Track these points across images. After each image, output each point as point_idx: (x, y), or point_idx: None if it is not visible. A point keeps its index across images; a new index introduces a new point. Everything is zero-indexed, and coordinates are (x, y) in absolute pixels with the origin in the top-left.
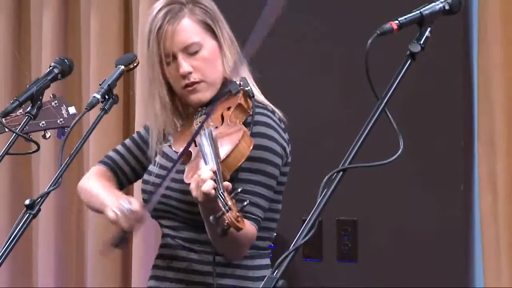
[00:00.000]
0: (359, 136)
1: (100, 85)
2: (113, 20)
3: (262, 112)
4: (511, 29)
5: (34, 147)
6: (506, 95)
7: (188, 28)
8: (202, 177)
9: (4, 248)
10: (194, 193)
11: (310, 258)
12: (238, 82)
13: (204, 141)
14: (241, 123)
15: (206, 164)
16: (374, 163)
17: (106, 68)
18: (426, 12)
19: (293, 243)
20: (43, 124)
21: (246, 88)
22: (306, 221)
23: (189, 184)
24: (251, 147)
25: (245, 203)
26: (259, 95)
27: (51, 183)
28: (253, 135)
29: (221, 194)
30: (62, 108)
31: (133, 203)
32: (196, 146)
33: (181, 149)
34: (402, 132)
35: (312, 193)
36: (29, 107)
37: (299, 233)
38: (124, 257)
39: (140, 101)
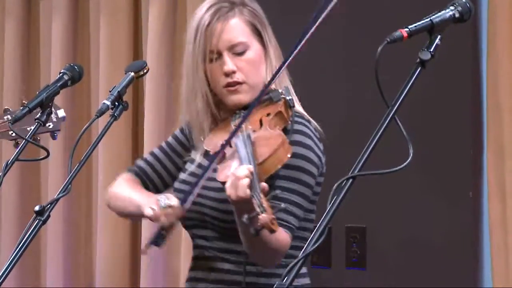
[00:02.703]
0: (368, 143)
1: (110, 91)
2: (122, 27)
3: (300, 121)
4: None
5: (44, 153)
6: None
7: (236, 27)
8: (238, 175)
9: (14, 255)
10: (228, 191)
11: (318, 266)
12: (280, 91)
13: (241, 142)
14: (280, 130)
15: (242, 163)
16: (384, 171)
17: (115, 74)
18: (437, 20)
19: (303, 250)
20: (31, 129)
21: (288, 98)
22: (316, 228)
23: (222, 182)
24: (289, 155)
25: (282, 205)
26: (297, 105)
27: (61, 190)
28: (290, 143)
29: (257, 194)
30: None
31: (171, 198)
32: (231, 147)
33: (214, 150)
34: (411, 140)
35: (321, 200)
36: (39, 114)
37: (309, 240)
38: (133, 258)
39: (150, 108)
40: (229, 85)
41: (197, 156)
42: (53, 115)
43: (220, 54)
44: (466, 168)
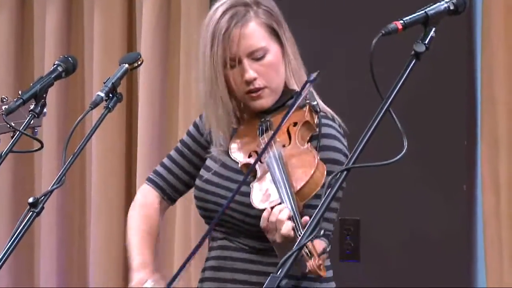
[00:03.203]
0: (363, 136)
1: (104, 83)
2: (116, 18)
3: (326, 123)
4: None
5: (37, 145)
6: (509, 95)
7: (255, 33)
8: (280, 218)
9: (7, 247)
10: (270, 237)
11: None
12: (303, 95)
13: (274, 164)
14: (309, 141)
15: (278, 192)
16: (378, 163)
17: (109, 66)
18: (431, 12)
19: (297, 242)
20: (11, 126)
21: (313, 103)
22: (310, 221)
23: (261, 210)
24: (325, 175)
25: (327, 250)
26: (319, 101)
27: (55, 182)
28: (321, 148)
29: (301, 235)
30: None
31: (160, 284)
32: (261, 162)
33: (244, 161)
34: (405, 132)
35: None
36: (33, 105)
37: (303, 232)
38: (126, 264)
39: (144, 99)
40: (250, 91)
41: (220, 156)
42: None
43: (239, 61)
44: (460, 160)
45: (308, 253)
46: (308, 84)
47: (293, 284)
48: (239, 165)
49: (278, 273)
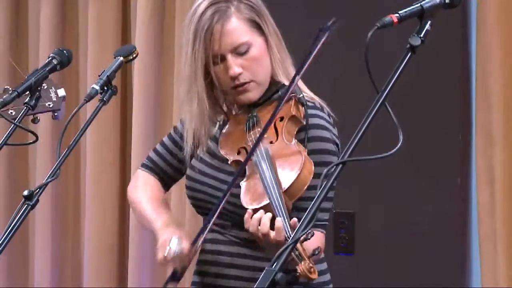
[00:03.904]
0: (358, 129)
1: (99, 76)
2: (111, 11)
3: (315, 114)
4: (510, 23)
5: (32, 137)
6: (504, 89)
7: (236, 29)
8: (263, 231)
9: (2, 239)
10: (260, 242)
11: None
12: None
13: (262, 163)
14: (297, 133)
15: (267, 192)
16: (374, 156)
17: (104, 59)
18: (427, 5)
19: (292, 236)
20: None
21: (299, 96)
22: (305, 214)
23: (252, 209)
24: (312, 172)
25: (316, 252)
26: (307, 91)
27: (49, 174)
28: (309, 139)
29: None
30: (51, 90)
31: (183, 241)
32: (250, 160)
33: (233, 158)
34: (401, 126)
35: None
36: (28, 98)
37: (298, 225)
38: (120, 243)
39: (138, 92)
40: (237, 86)
41: (211, 146)
42: (53, 94)
43: (223, 57)
44: (455, 154)
45: (298, 256)
46: (322, 34)
47: (287, 279)
48: (229, 162)
49: (273, 267)
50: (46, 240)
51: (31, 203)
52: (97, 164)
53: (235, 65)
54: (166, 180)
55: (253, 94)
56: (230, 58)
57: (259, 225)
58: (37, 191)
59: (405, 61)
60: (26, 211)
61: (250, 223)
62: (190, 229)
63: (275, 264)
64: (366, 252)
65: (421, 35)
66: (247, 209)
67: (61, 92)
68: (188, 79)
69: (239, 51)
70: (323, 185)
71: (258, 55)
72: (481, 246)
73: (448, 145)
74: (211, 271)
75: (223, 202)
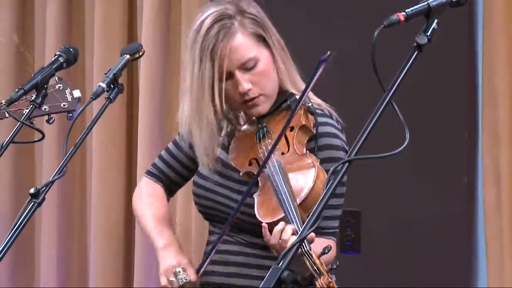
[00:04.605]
0: (365, 127)
1: (105, 74)
2: (117, 10)
3: (324, 122)
4: None
5: (38, 135)
6: (510, 87)
7: (243, 45)
8: (283, 238)
9: (9, 237)
10: (277, 253)
11: None
12: (297, 96)
13: (275, 175)
14: (308, 142)
15: (282, 206)
16: (380, 155)
17: (110, 57)
18: (434, 3)
19: (299, 234)
20: (46, 108)
21: (308, 105)
22: (312, 212)
23: (268, 223)
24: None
25: (326, 251)
26: (314, 98)
27: (56, 172)
28: (320, 148)
29: (308, 252)
30: (66, 91)
31: (188, 272)
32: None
33: (245, 170)
34: (407, 124)
35: None
36: (34, 96)
37: (305, 224)
38: (127, 240)
39: (144, 90)
40: (246, 101)
41: (220, 154)
42: (68, 95)
43: (231, 74)
44: (461, 152)
45: (317, 271)
46: (321, 65)
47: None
48: (241, 174)
49: (279, 265)
50: (52, 238)
51: (37, 201)
52: (103, 162)
53: (244, 81)
54: (171, 187)
55: (263, 107)
56: (238, 74)
57: (280, 237)
58: (43, 189)
59: (411, 60)
60: (33, 209)
61: (272, 235)
62: (196, 235)
63: (281, 262)
64: (371, 250)
65: (428, 34)
66: (261, 222)
67: (77, 93)
68: (196, 98)
69: (247, 66)
70: (328, 185)
71: (265, 69)
72: (488, 245)
73: (454, 144)
74: (217, 270)
75: (235, 215)
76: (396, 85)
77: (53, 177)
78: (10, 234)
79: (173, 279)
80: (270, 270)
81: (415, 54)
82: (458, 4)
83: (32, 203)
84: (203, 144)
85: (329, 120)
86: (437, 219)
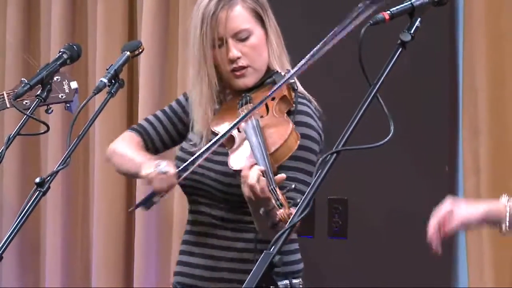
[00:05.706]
0: (352, 119)
1: (107, 70)
2: (118, 8)
3: (303, 102)
4: (496, 19)
5: (44, 128)
6: (490, 84)
7: (240, 15)
8: (253, 177)
9: (15, 224)
10: (246, 193)
11: (302, 235)
12: (283, 74)
13: (251, 129)
14: (285, 114)
15: (254, 154)
16: (366, 146)
17: (111, 54)
18: (417, 3)
19: (289, 221)
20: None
21: (291, 81)
22: (301, 200)
23: (237, 170)
24: (298, 142)
25: (293, 185)
26: (300, 87)
27: (60, 163)
28: (295, 123)
29: (273, 189)
30: (64, 83)
31: (170, 165)
32: (239, 131)
33: (222, 130)
34: (392, 117)
35: None
36: (39, 91)
37: (295, 211)
38: (128, 231)
39: (144, 85)
40: (234, 69)
41: (203, 130)
42: (66, 87)
43: (225, 41)
44: (443, 144)
45: (280, 205)
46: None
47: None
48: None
49: (271, 250)
50: (56, 227)
51: (42, 190)
52: (106, 153)
53: (234, 48)
54: (149, 145)
55: (249, 79)
56: (230, 42)
57: (249, 179)
58: (48, 178)
59: (396, 56)
60: (38, 197)
61: (248, 176)
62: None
63: (273, 248)
64: (358, 236)
65: (411, 32)
66: (229, 184)
67: (74, 84)
68: (197, 61)
69: (240, 37)
70: (318, 173)
71: (257, 44)
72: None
73: (437, 136)
74: (197, 251)
75: (203, 157)
76: (381, 80)
77: (57, 167)
78: (17, 221)
79: (153, 169)
80: (262, 254)
81: (399, 51)
82: (440, 4)
83: (38, 191)
84: (203, 100)
85: (308, 103)
86: (421, 206)
